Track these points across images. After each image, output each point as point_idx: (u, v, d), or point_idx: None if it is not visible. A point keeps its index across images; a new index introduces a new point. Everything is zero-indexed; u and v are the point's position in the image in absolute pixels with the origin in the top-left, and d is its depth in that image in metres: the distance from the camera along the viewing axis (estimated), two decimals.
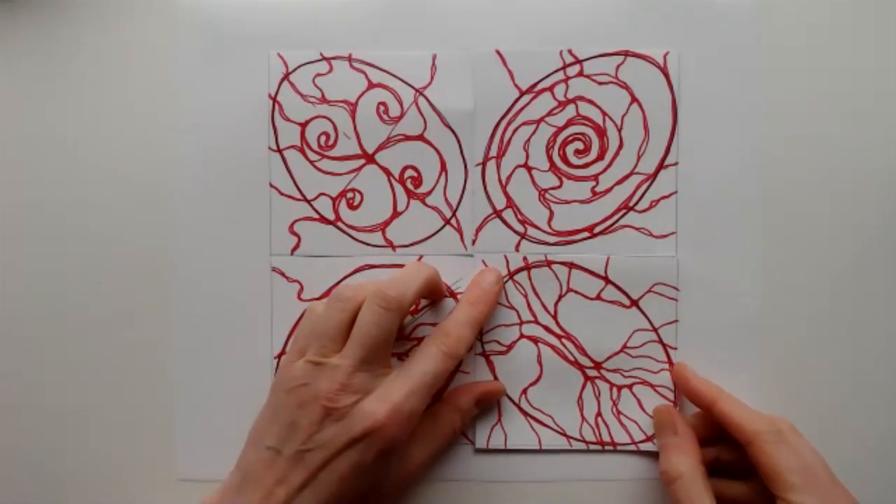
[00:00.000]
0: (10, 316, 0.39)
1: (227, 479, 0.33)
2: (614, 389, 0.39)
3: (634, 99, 0.38)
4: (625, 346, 0.39)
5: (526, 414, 0.39)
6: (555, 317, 0.39)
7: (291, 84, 0.39)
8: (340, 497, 0.32)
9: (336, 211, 0.39)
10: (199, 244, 0.39)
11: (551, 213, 0.39)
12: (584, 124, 0.39)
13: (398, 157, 0.39)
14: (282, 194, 0.39)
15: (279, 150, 0.39)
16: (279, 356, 0.39)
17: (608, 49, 0.38)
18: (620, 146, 0.39)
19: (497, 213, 0.39)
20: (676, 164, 0.38)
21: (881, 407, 0.38)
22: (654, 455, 0.39)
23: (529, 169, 0.39)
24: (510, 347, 0.39)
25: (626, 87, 0.38)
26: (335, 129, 0.39)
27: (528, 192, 0.39)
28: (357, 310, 0.34)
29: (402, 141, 0.39)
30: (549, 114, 0.39)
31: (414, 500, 0.39)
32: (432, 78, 0.39)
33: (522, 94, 0.39)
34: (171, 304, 0.39)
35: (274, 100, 0.39)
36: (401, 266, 0.39)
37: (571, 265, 0.39)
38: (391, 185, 0.39)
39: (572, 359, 0.39)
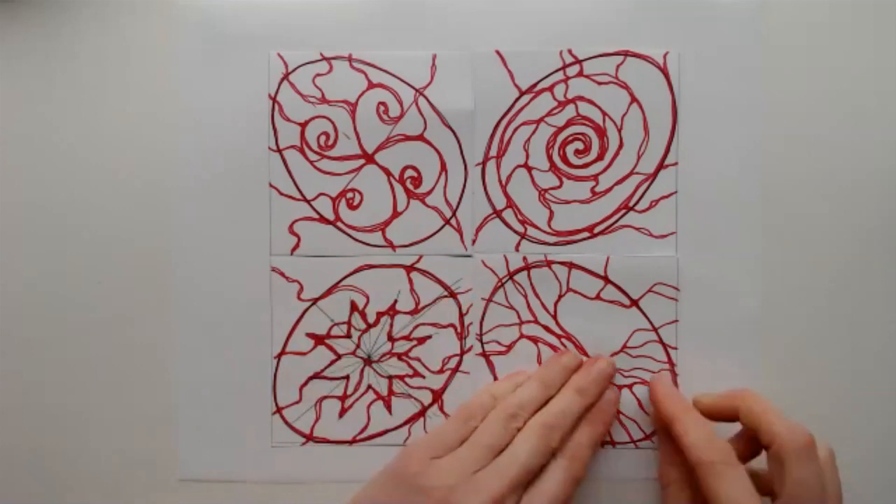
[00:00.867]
0: (10, 316, 0.39)
1: None
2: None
3: (634, 99, 0.38)
4: (625, 346, 0.39)
5: None
6: (555, 317, 0.39)
7: (291, 84, 0.39)
8: None
9: (336, 211, 0.39)
10: (199, 244, 0.39)
11: (551, 213, 0.39)
12: (584, 124, 0.39)
13: (398, 157, 0.39)
14: (282, 194, 0.39)
15: (279, 150, 0.39)
16: (279, 356, 0.39)
17: (608, 49, 0.38)
18: (620, 146, 0.39)
19: (497, 213, 0.39)
20: (676, 164, 0.38)
21: (881, 407, 0.38)
22: (653, 454, 0.39)
23: (529, 169, 0.39)
24: (510, 347, 0.39)
25: (625, 87, 0.38)
26: (335, 129, 0.39)
27: (528, 192, 0.39)
28: None
29: (402, 141, 0.39)
30: (549, 114, 0.39)
31: None
32: (432, 78, 0.39)
33: (522, 94, 0.39)
34: (171, 304, 0.39)
35: (274, 100, 0.39)
36: (400, 266, 0.39)
37: (571, 265, 0.39)
38: (391, 185, 0.39)
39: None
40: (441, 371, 0.39)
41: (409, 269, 0.39)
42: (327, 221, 0.39)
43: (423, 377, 0.39)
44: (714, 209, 0.38)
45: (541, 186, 0.39)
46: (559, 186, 0.39)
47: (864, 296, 0.38)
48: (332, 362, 0.39)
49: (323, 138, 0.39)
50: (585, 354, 0.39)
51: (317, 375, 0.39)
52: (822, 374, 0.39)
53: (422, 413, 0.39)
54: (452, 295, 0.39)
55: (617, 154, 0.39)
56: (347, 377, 0.39)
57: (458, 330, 0.39)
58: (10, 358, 0.39)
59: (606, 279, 0.39)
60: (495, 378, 0.39)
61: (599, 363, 0.38)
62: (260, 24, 0.39)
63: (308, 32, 0.39)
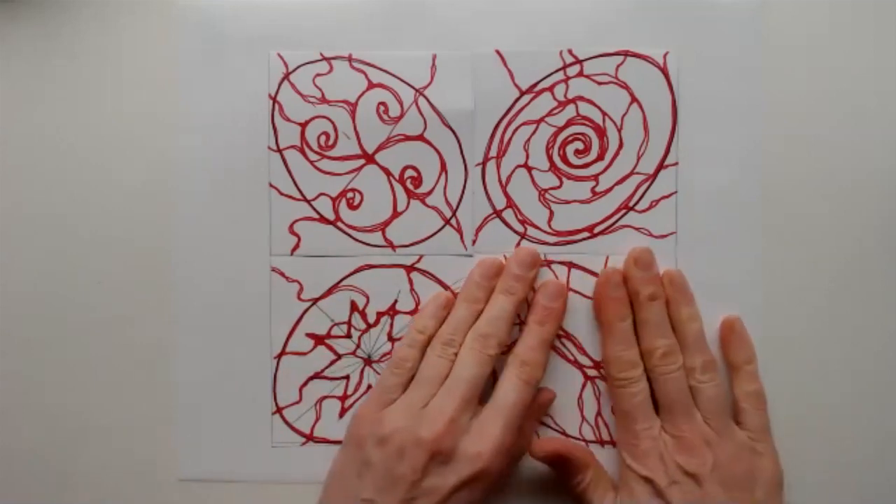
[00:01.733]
0: (10, 316, 0.39)
1: None
2: None
3: (634, 99, 0.38)
4: None
5: None
6: None
7: (291, 84, 0.39)
8: None
9: (336, 211, 0.39)
10: (199, 244, 0.39)
11: (551, 213, 0.39)
12: (584, 124, 0.39)
13: (398, 157, 0.39)
14: (282, 194, 0.39)
15: (279, 150, 0.39)
16: (279, 356, 0.39)
17: (608, 49, 0.38)
18: (620, 146, 0.39)
19: (497, 213, 0.39)
20: (676, 164, 0.38)
21: (881, 407, 0.38)
22: None
23: (529, 169, 0.39)
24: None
25: (625, 87, 0.38)
26: (335, 129, 0.39)
27: (528, 192, 0.39)
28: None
29: (402, 141, 0.39)
30: (549, 114, 0.39)
31: None
32: (432, 78, 0.39)
33: (522, 94, 0.39)
34: (171, 304, 0.39)
35: (274, 100, 0.39)
36: (400, 266, 0.39)
37: (571, 265, 0.39)
38: (391, 185, 0.39)
39: (572, 359, 0.39)
40: None
41: (410, 269, 0.39)
42: (327, 221, 0.39)
43: None
44: (714, 209, 0.38)
45: (541, 186, 0.39)
46: (559, 186, 0.39)
47: (864, 296, 0.38)
48: (332, 362, 0.39)
49: (323, 138, 0.39)
50: (585, 355, 0.39)
51: (317, 375, 0.39)
52: (822, 374, 0.39)
53: None
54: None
55: (617, 154, 0.39)
56: (347, 377, 0.39)
57: None
58: (10, 358, 0.39)
59: None
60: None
61: (518, 253, 0.37)
62: (260, 24, 0.39)
63: (308, 32, 0.39)
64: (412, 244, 0.39)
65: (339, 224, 0.39)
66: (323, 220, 0.39)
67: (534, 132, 0.39)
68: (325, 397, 0.39)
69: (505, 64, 0.39)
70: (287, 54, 0.39)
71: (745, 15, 0.38)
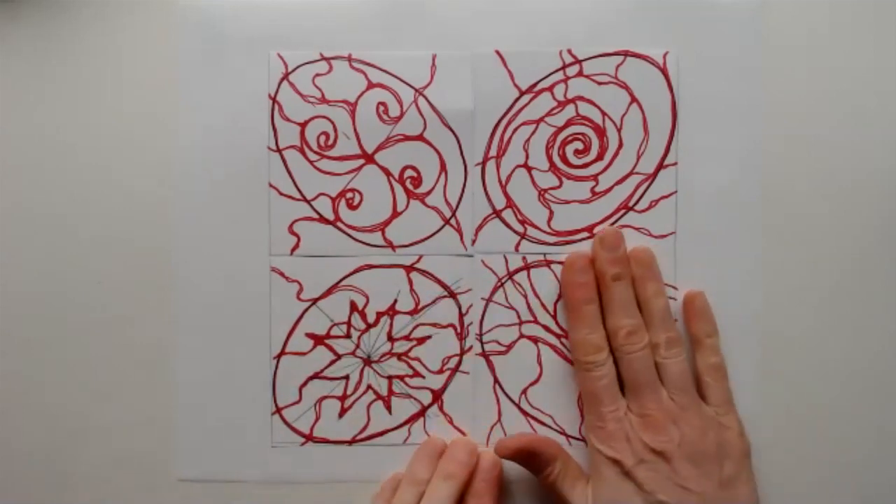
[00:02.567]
0: (10, 316, 0.39)
1: None
2: None
3: (634, 99, 0.38)
4: None
5: (526, 414, 0.39)
6: (554, 317, 0.39)
7: (291, 84, 0.39)
8: None
9: (336, 211, 0.39)
10: (198, 244, 0.39)
11: (551, 212, 0.39)
12: (583, 124, 0.39)
13: (398, 157, 0.39)
14: (281, 194, 0.39)
15: (279, 150, 0.39)
16: (279, 356, 0.39)
17: (608, 49, 0.38)
18: (620, 146, 0.39)
19: (497, 213, 0.39)
20: (676, 164, 0.38)
21: (881, 407, 0.38)
22: None
23: (529, 169, 0.39)
24: (510, 347, 0.39)
25: (625, 87, 0.38)
26: (335, 129, 0.39)
27: (527, 192, 0.39)
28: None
29: (402, 141, 0.39)
30: (549, 114, 0.39)
31: None
32: (432, 78, 0.39)
33: (522, 94, 0.39)
34: (171, 304, 0.39)
35: (274, 100, 0.39)
36: (400, 266, 0.39)
37: None
38: (391, 185, 0.39)
39: (572, 358, 0.39)
40: (441, 371, 0.39)
41: (409, 269, 0.39)
42: (327, 221, 0.39)
43: (423, 377, 0.39)
44: (714, 209, 0.38)
45: (540, 186, 0.39)
46: (559, 186, 0.39)
47: (864, 296, 0.38)
48: (332, 362, 0.39)
49: (323, 138, 0.39)
50: None
51: (316, 375, 0.39)
52: (822, 374, 0.39)
53: (421, 413, 0.39)
54: (452, 295, 0.39)
55: (617, 154, 0.39)
56: (347, 377, 0.39)
57: (458, 330, 0.39)
58: (10, 358, 0.39)
59: None
60: (495, 379, 0.39)
61: (457, 443, 0.38)
62: (260, 24, 0.39)
63: (308, 32, 0.39)
64: (412, 244, 0.39)
65: (339, 224, 0.39)
66: (322, 220, 0.39)
67: (533, 132, 0.39)
68: (324, 397, 0.39)
69: (505, 64, 0.39)
70: (287, 54, 0.39)
71: (745, 15, 0.38)
